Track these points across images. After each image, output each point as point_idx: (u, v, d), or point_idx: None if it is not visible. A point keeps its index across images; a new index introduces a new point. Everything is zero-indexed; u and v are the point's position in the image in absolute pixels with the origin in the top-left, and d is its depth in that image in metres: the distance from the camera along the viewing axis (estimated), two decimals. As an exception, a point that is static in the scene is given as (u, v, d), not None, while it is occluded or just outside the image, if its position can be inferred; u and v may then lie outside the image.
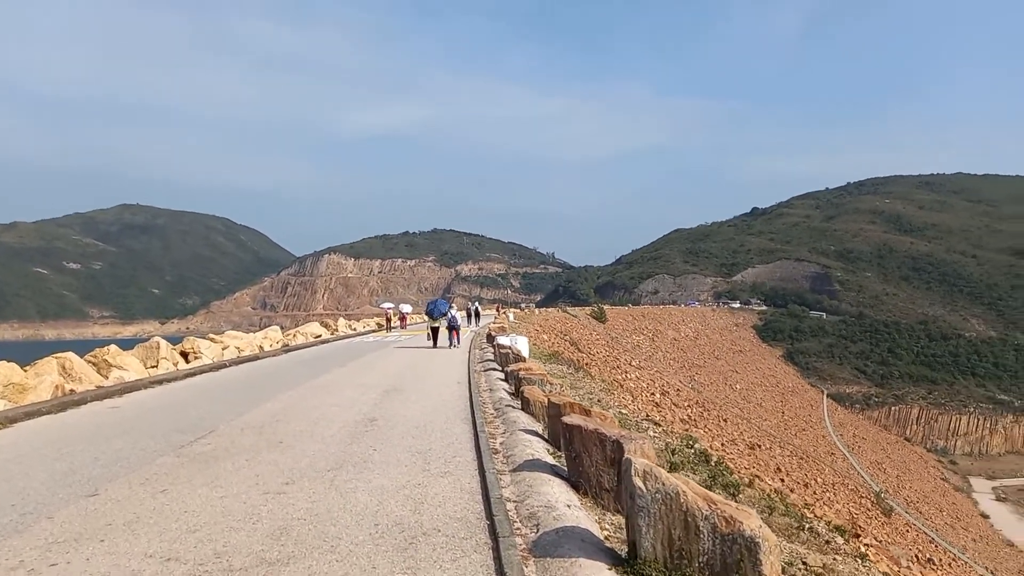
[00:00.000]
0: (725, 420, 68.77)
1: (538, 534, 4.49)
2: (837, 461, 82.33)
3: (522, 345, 19.79)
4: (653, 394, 53.51)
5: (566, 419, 5.67)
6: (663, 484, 3.66)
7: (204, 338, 20.81)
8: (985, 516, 75.28)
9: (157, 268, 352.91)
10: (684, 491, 3.59)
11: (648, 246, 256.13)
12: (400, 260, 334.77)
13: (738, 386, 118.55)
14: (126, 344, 17.50)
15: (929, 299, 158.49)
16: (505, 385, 12.22)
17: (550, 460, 6.33)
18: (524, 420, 8.40)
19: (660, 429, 15.02)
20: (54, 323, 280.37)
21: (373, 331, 40.46)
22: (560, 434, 7.00)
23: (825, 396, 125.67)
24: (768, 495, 8.80)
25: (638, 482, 3.72)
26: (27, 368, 12.93)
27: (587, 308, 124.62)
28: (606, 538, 4.63)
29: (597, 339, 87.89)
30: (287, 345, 25.87)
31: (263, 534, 4.80)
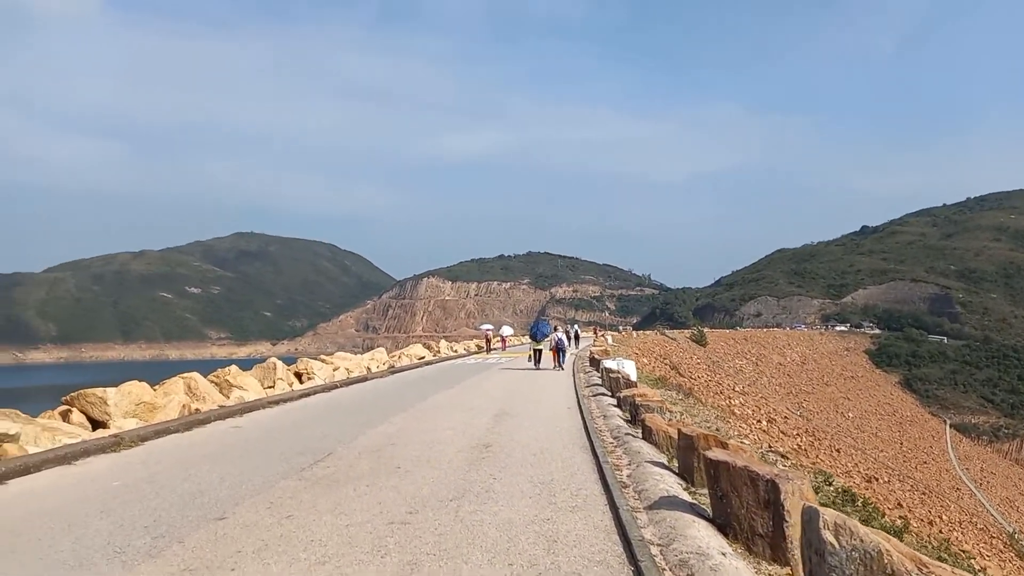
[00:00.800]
0: (838, 450, 64.88)
1: (694, 587, 4.05)
2: (963, 498, 75.97)
3: (629, 369, 19.19)
4: (760, 421, 51.14)
5: (710, 454, 5.19)
6: (861, 541, 3.16)
7: (316, 359, 21.37)
8: None
9: (269, 292, 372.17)
10: (887, 550, 3.08)
11: (750, 267, 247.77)
12: (496, 283, 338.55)
13: (850, 414, 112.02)
14: (241, 364, 18.14)
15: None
16: (619, 412, 11.74)
17: (686, 497, 5.84)
18: (647, 450, 7.92)
19: (788, 463, 14.05)
20: (177, 344, 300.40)
21: (473, 353, 40.72)
22: (695, 468, 6.50)
23: (948, 426, 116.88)
24: (932, 544, 7.89)
25: (829, 537, 3.23)
26: (156, 387, 13.53)
27: (686, 331, 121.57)
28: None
29: (698, 363, 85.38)
30: (393, 367, 26.27)
31: (393, 570, 4.58)
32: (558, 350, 25.51)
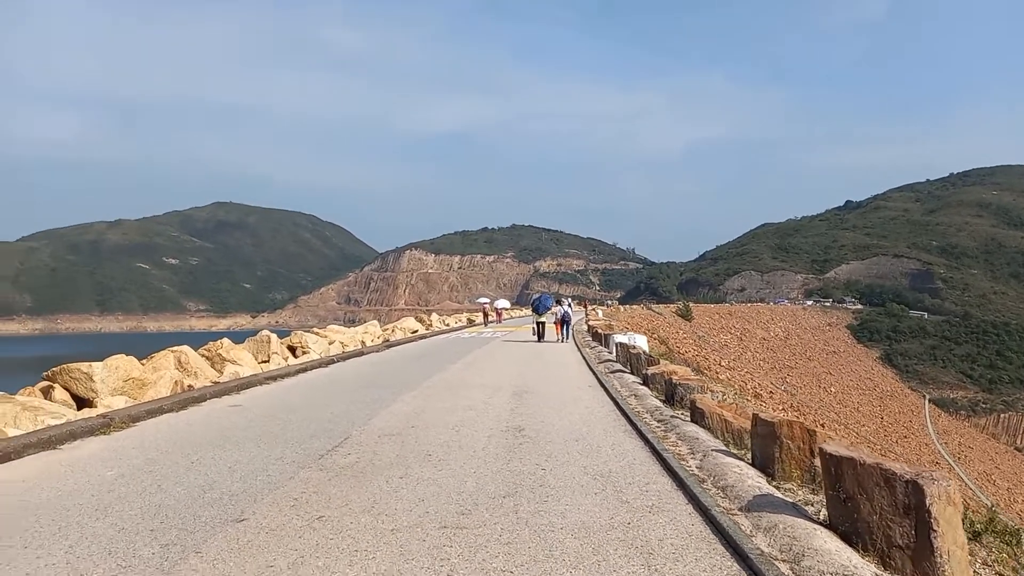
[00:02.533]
0: (822, 425, 65.23)
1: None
2: (942, 472, 77.14)
3: (642, 344, 18.46)
4: (747, 397, 51.07)
5: (830, 448, 4.39)
6: None
7: (310, 332, 20.43)
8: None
9: (249, 264, 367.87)
10: None
11: (734, 242, 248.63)
12: (479, 256, 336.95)
13: (833, 389, 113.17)
14: (220, 336, 17.03)
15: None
16: (648, 391, 10.97)
17: (782, 496, 5.06)
18: (705, 437, 7.15)
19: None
20: (155, 316, 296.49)
21: (465, 326, 39.86)
22: (776, 459, 5.73)
23: (927, 401, 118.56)
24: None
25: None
26: (144, 362, 12.55)
27: (672, 305, 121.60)
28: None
29: (684, 338, 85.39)
30: (387, 340, 25.38)
31: (466, 593, 3.76)
32: (563, 322, 25.98)
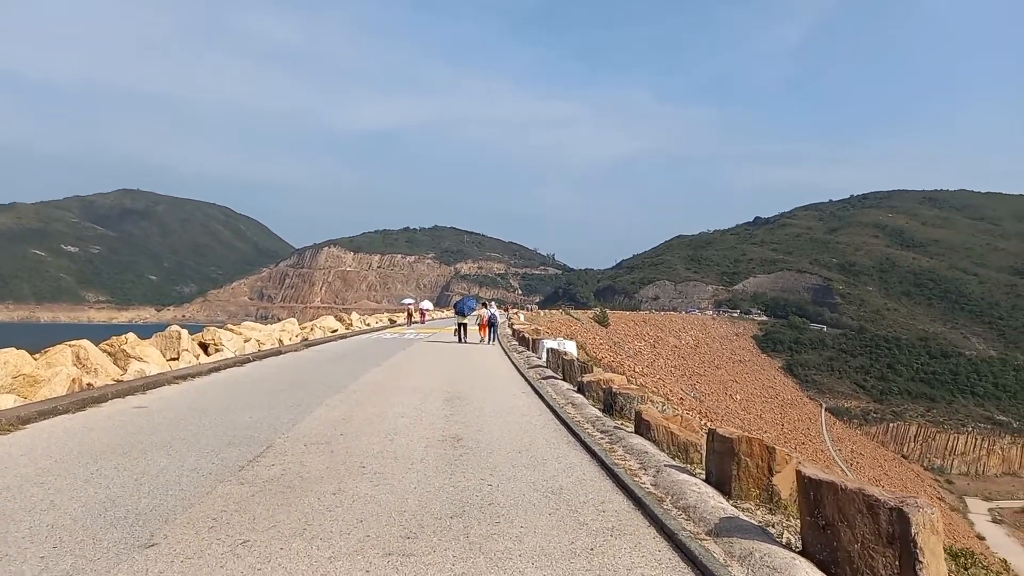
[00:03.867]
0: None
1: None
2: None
3: (571, 350, 18.30)
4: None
5: (808, 472, 4.17)
6: None
7: (223, 328, 19.26)
8: (981, 538, 74.06)
9: (155, 255, 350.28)
10: None
11: (649, 251, 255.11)
12: (400, 256, 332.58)
13: (738, 396, 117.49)
14: (124, 330, 15.79)
15: (930, 315, 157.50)
16: (584, 399, 10.71)
17: (748, 519, 4.82)
18: (653, 451, 6.89)
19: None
20: (50, 306, 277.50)
21: (387, 327, 38.87)
22: (733, 478, 5.51)
23: (824, 410, 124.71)
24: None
25: None
26: (37, 357, 11.37)
27: (589, 311, 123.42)
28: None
29: (601, 344, 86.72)
30: (306, 340, 24.33)
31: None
32: (490, 325, 26.34)
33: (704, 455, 6.28)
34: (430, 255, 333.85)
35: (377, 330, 35.90)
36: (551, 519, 5.01)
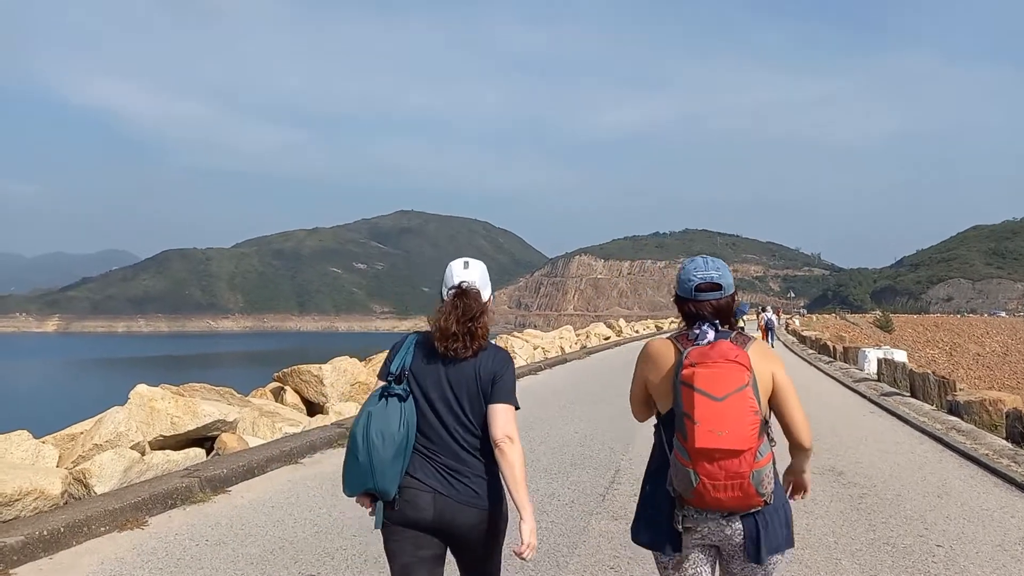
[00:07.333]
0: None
1: None
2: None
3: (901, 359, 15.65)
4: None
5: None
6: None
7: (511, 335, 19.60)
8: None
9: (428, 269, 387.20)
10: None
11: (938, 245, 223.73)
12: (650, 261, 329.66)
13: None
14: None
15: None
16: (965, 423, 8.58)
17: None
18: None
19: None
20: (345, 316, 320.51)
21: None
22: None
23: None
24: None
25: None
26: (365, 364, 12.06)
27: (867, 315, 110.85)
28: None
29: (889, 351, 77.15)
30: (584, 346, 24.13)
31: None
32: (768, 329, 26.06)
33: None
34: (681, 259, 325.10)
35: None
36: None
